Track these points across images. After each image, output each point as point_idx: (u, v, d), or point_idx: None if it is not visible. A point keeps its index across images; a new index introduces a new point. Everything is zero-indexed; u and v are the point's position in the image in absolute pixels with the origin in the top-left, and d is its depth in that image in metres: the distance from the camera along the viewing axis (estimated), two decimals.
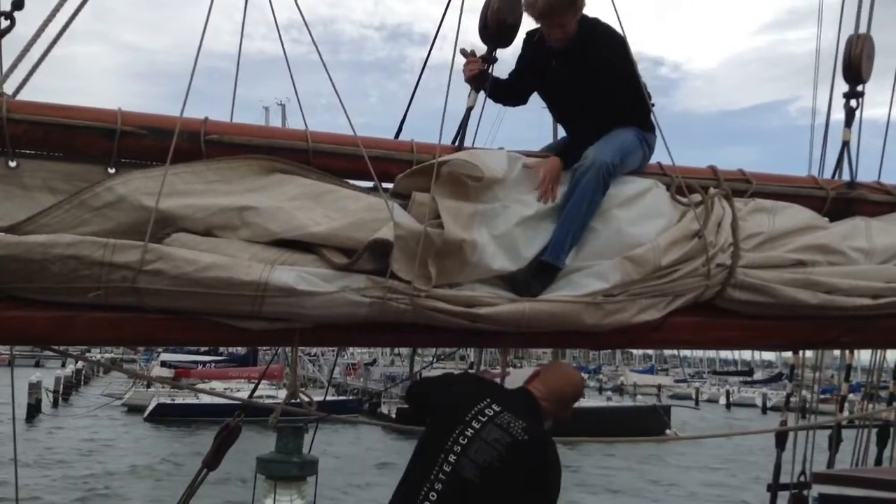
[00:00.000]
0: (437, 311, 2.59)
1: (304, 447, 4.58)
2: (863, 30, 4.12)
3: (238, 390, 26.22)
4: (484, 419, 2.48)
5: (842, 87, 3.96)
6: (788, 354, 7.21)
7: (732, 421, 36.47)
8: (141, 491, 16.03)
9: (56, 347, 2.88)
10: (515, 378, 2.97)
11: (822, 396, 7.62)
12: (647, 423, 26.43)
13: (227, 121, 2.79)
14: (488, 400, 2.55)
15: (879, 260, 3.28)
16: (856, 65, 3.79)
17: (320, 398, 3.57)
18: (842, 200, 3.46)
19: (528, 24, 3.07)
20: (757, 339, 3.37)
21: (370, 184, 2.75)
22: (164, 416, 27.79)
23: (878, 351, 6.63)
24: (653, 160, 3.19)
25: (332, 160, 2.76)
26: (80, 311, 2.41)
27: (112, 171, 2.54)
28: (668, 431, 26.49)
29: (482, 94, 3.12)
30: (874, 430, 6.67)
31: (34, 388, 28.87)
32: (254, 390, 4.12)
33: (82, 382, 43.03)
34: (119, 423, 27.92)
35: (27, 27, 2.44)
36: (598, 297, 2.76)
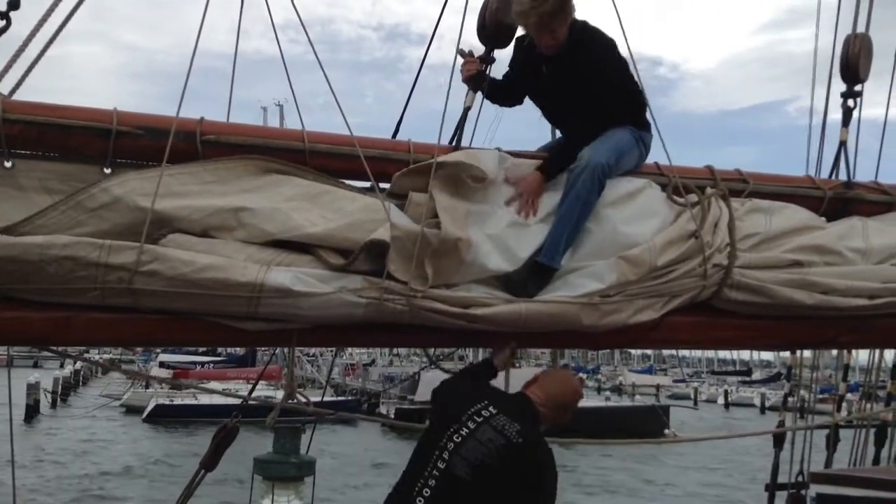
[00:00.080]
0: (433, 311, 2.59)
1: (301, 448, 4.58)
2: (861, 29, 4.12)
3: (237, 391, 26.21)
4: (480, 420, 2.49)
5: (840, 86, 3.97)
6: (786, 354, 7.22)
7: (731, 421, 36.48)
8: (138, 491, 16.02)
9: (54, 348, 2.88)
10: (518, 377, 2.97)
11: (820, 396, 7.63)
12: (646, 423, 26.44)
13: (223, 121, 2.79)
14: (486, 402, 2.55)
15: (876, 260, 3.28)
16: (853, 64, 3.80)
17: (318, 398, 3.56)
18: (839, 200, 3.46)
19: None
20: (755, 339, 3.37)
21: (367, 184, 2.75)
22: (163, 416, 27.77)
23: (876, 350, 6.64)
24: (650, 160, 3.20)
25: (329, 160, 2.76)
26: (77, 311, 2.41)
27: (108, 171, 2.54)
28: (666, 431, 26.49)
29: (479, 94, 3.12)
30: (872, 430, 6.68)
31: (32, 388, 28.83)
32: (252, 390, 4.12)
33: (81, 383, 43.00)
34: (117, 424, 27.90)
35: (24, 27, 2.44)
36: (595, 297, 2.76)
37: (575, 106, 3.03)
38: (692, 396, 47.70)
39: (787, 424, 6.29)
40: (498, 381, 3.05)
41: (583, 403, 2.95)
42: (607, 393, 41.68)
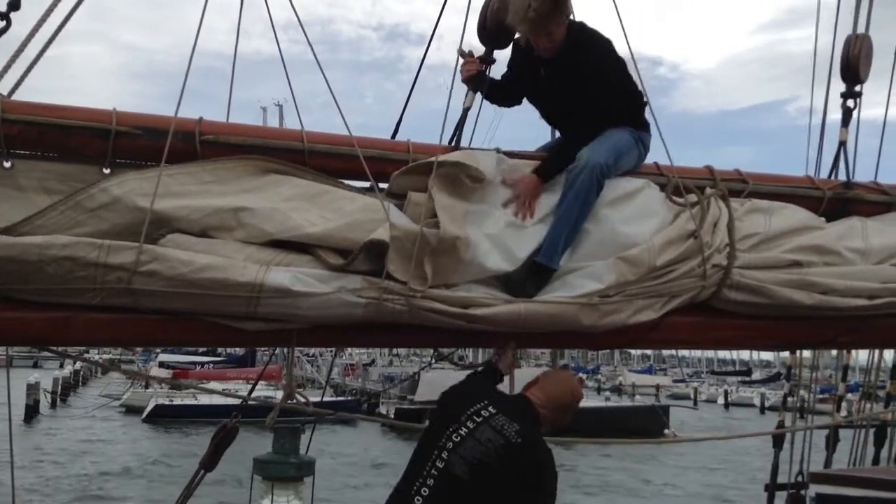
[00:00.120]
0: (433, 311, 2.59)
1: (300, 448, 4.58)
2: (861, 30, 4.12)
3: (236, 391, 26.21)
4: (479, 420, 2.50)
5: (839, 87, 3.97)
6: (786, 354, 7.22)
7: (731, 421, 36.48)
8: (138, 492, 16.01)
9: (53, 348, 2.88)
10: (519, 377, 2.98)
11: (820, 396, 7.64)
12: (646, 423, 26.43)
13: (223, 121, 2.79)
14: (485, 402, 2.56)
15: (875, 260, 3.28)
16: (853, 65, 3.80)
17: (318, 398, 3.57)
18: (838, 200, 3.46)
19: None
20: (754, 340, 3.37)
21: (366, 184, 2.75)
22: (163, 416, 27.77)
23: (875, 350, 6.64)
24: (650, 159, 3.20)
25: (328, 160, 2.76)
26: (76, 311, 2.41)
27: (107, 171, 2.54)
28: (666, 431, 26.48)
29: (479, 94, 3.12)
30: (871, 431, 6.68)
31: (32, 389, 28.80)
32: (251, 391, 4.12)
33: (80, 383, 42.98)
34: (117, 424, 27.90)
35: (23, 27, 2.44)
36: (594, 297, 2.76)
37: (573, 107, 3.03)
38: (692, 396, 47.69)
39: (786, 424, 6.29)
40: (506, 382, 3.06)
41: (583, 403, 2.95)
42: (607, 393, 41.67)
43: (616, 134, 3.02)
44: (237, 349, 34.57)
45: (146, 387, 31.62)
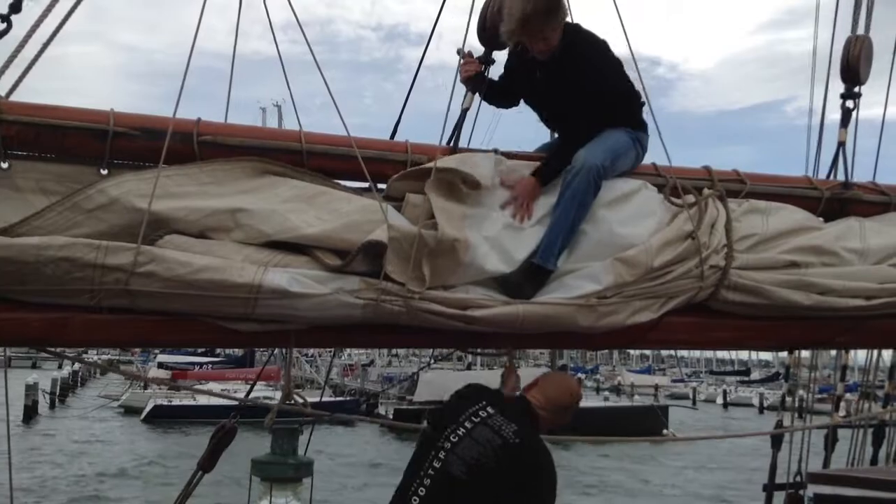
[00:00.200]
0: (431, 313, 2.59)
1: (299, 449, 4.59)
2: (861, 31, 4.13)
3: (235, 391, 26.20)
4: (477, 420, 2.50)
5: (839, 87, 3.98)
6: (785, 354, 7.22)
7: (729, 421, 36.51)
8: (136, 492, 16.00)
9: (51, 349, 2.87)
10: (523, 377, 2.98)
11: (818, 396, 7.64)
12: (645, 423, 26.43)
13: (222, 121, 2.79)
14: (483, 403, 2.56)
15: (873, 261, 3.29)
16: (853, 66, 3.80)
17: (317, 399, 3.57)
18: (836, 201, 3.46)
19: None
20: (752, 340, 3.38)
21: (364, 185, 2.75)
22: (161, 417, 27.74)
23: (874, 350, 6.64)
24: (648, 159, 3.20)
25: (327, 161, 2.76)
26: (74, 312, 2.40)
27: (105, 172, 2.54)
28: (665, 432, 26.48)
29: (478, 95, 3.12)
30: (870, 431, 6.69)
31: (31, 389, 28.78)
32: (249, 391, 4.12)
33: (79, 384, 42.93)
34: (116, 425, 27.88)
35: (22, 28, 2.43)
36: (592, 299, 2.76)
37: (569, 109, 3.03)
38: (691, 396, 47.71)
39: (785, 424, 6.30)
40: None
41: (581, 403, 2.96)
42: (606, 393, 41.67)
43: (613, 135, 3.02)
44: (236, 350, 34.53)
45: (145, 387, 31.59)
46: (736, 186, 3.27)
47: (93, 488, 16.26)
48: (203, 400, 25.71)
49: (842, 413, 7.38)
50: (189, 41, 2.52)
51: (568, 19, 2.99)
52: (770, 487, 5.82)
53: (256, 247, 2.53)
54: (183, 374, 33.77)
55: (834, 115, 4.16)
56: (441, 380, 29.32)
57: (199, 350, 35.64)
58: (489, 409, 2.53)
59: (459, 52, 3.10)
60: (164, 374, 33.34)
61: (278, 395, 2.87)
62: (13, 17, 2.42)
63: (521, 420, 2.55)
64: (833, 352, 7.49)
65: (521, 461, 2.45)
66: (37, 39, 2.43)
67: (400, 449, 20.88)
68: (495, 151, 2.97)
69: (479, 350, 3.13)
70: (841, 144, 3.86)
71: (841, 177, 3.75)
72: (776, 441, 5.85)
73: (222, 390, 27.23)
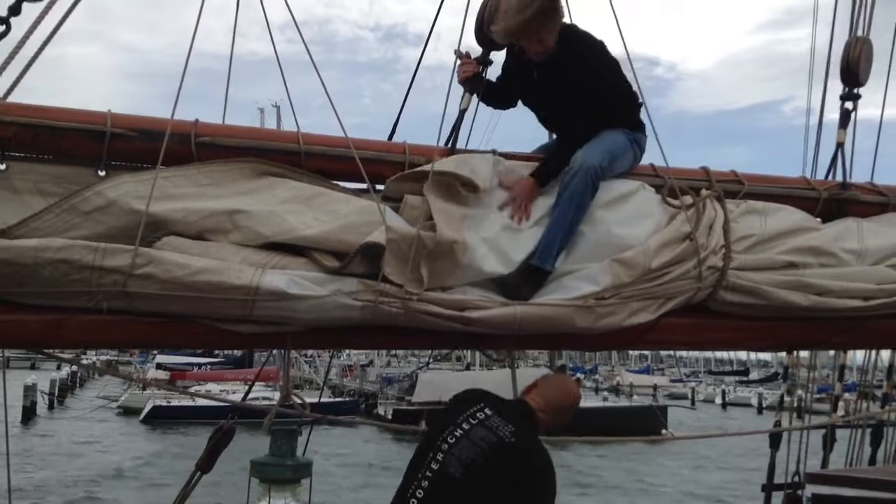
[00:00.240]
0: (429, 314, 2.59)
1: (297, 450, 4.58)
2: (861, 32, 4.13)
3: (234, 392, 26.21)
4: (474, 421, 2.50)
5: (837, 87, 3.98)
6: (784, 354, 7.23)
7: (728, 421, 36.53)
8: (135, 493, 15.99)
9: (49, 351, 2.87)
10: (519, 377, 2.99)
11: (817, 396, 7.64)
12: (644, 424, 26.45)
13: (220, 122, 2.78)
14: (482, 405, 2.56)
15: (871, 261, 3.29)
16: (853, 67, 3.80)
17: (316, 399, 3.57)
18: (834, 201, 3.46)
19: None
20: (750, 340, 3.38)
21: (362, 186, 2.75)
22: (160, 418, 27.73)
23: (872, 350, 6.65)
24: (646, 160, 3.20)
25: (325, 162, 2.75)
26: (72, 314, 2.40)
27: (102, 173, 2.53)
28: (664, 432, 26.49)
29: (476, 96, 3.12)
30: (868, 431, 6.69)
31: (29, 390, 28.76)
32: (247, 392, 4.12)
33: (78, 385, 42.89)
34: (115, 426, 27.86)
35: (20, 28, 2.43)
36: (590, 300, 2.76)
37: (566, 109, 3.03)
38: (689, 396, 47.72)
39: (783, 424, 6.30)
40: (504, 383, 3.06)
41: (581, 404, 2.96)
42: (605, 393, 41.71)
43: (611, 136, 3.02)
44: (234, 350, 34.50)
45: (143, 388, 31.58)
46: (734, 187, 3.27)
47: (91, 489, 16.26)
48: (202, 400, 25.70)
49: (840, 413, 7.38)
50: (187, 42, 2.51)
51: (566, 20, 2.99)
52: (768, 487, 5.82)
53: (254, 248, 2.52)
54: (182, 375, 33.78)
55: (832, 115, 4.17)
56: (440, 380, 29.36)
57: (198, 350, 35.59)
58: (487, 411, 2.53)
59: (457, 52, 3.10)
60: (162, 374, 33.33)
61: (277, 395, 2.87)
62: (12, 19, 2.42)
63: (519, 421, 2.55)
64: (831, 352, 7.49)
65: (515, 461, 2.45)
66: (35, 40, 2.43)
67: (399, 449, 20.88)
68: (493, 152, 2.98)
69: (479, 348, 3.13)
70: (839, 146, 3.86)
71: (839, 178, 3.75)
72: (775, 441, 5.85)
73: (221, 391, 27.36)
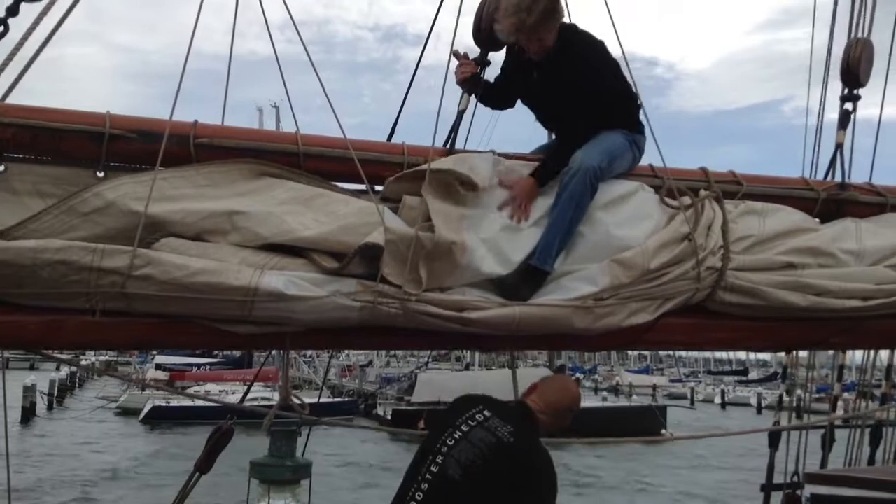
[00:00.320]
0: (427, 315, 2.59)
1: (297, 450, 4.58)
2: (860, 32, 4.13)
3: (233, 392, 26.21)
4: (473, 423, 2.50)
5: (837, 87, 3.99)
6: (783, 354, 7.23)
7: (727, 421, 36.53)
8: (134, 493, 15.98)
9: (48, 352, 2.87)
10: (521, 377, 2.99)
11: (816, 395, 7.64)
12: (643, 424, 26.44)
13: (219, 122, 2.78)
14: (480, 407, 2.56)
15: (870, 262, 3.29)
16: (854, 68, 3.80)
17: (315, 400, 3.57)
18: (833, 202, 3.47)
19: None
20: (749, 341, 3.38)
21: (361, 187, 2.75)
22: (159, 418, 27.71)
23: (871, 350, 6.65)
24: (644, 161, 3.20)
25: (324, 163, 2.75)
26: (70, 314, 2.40)
27: (101, 174, 2.53)
28: (663, 432, 26.49)
29: (474, 97, 3.12)
30: (867, 430, 6.69)
31: (29, 391, 28.74)
32: (246, 393, 4.11)
33: (77, 385, 42.86)
34: (114, 426, 27.85)
35: (18, 29, 2.43)
36: (588, 301, 2.76)
37: (566, 109, 3.03)
38: (689, 396, 47.73)
39: (782, 424, 6.30)
40: (504, 383, 3.06)
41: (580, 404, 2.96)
42: (604, 393, 41.71)
43: (610, 136, 3.02)
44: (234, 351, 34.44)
45: (142, 389, 31.55)
46: (732, 188, 3.28)
47: (90, 490, 16.25)
48: (201, 401, 25.68)
49: (839, 412, 7.39)
50: (186, 42, 2.51)
51: (565, 19, 2.99)
52: (768, 487, 5.83)
53: (253, 249, 2.52)
54: (181, 376, 33.75)
55: (832, 115, 4.17)
56: (439, 380, 29.38)
57: (197, 351, 35.57)
58: (486, 413, 2.54)
59: (455, 53, 3.10)
60: (161, 375, 33.32)
61: (276, 395, 2.87)
62: (10, 20, 2.42)
63: (518, 422, 2.55)
64: (830, 351, 7.50)
65: (514, 461, 2.45)
66: (34, 41, 2.43)
67: (398, 450, 20.88)
68: (492, 153, 2.97)
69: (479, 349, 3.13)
70: (839, 146, 3.86)
71: (839, 178, 3.75)
72: (774, 441, 5.85)
73: (220, 391, 27.34)
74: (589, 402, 30.23)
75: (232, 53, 2.93)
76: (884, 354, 7.02)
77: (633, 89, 3.09)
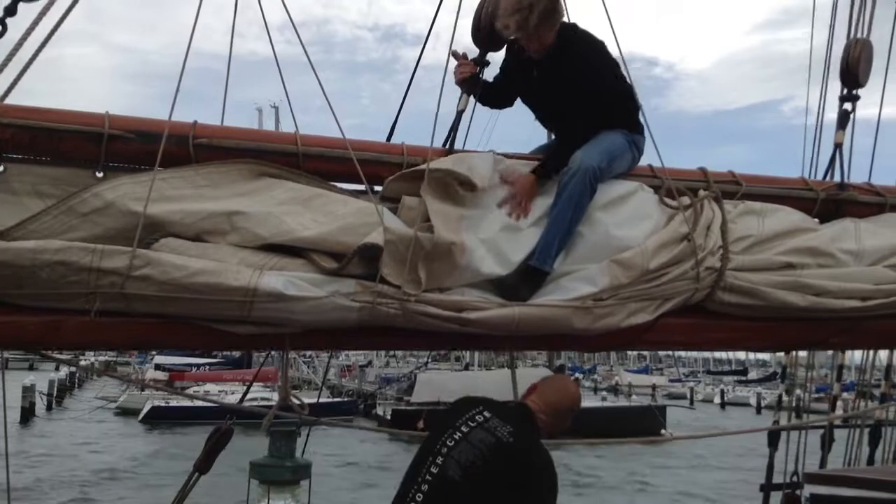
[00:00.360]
0: (427, 315, 2.59)
1: (297, 451, 4.58)
2: (860, 32, 4.13)
3: (232, 392, 26.21)
4: (473, 424, 2.50)
5: (837, 87, 3.99)
6: (782, 354, 7.23)
7: (727, 420, 36.54)
8: (133, 494, 15.97)
9: (47, 352, 2.87)
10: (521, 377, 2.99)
11: (815, 395, 7.66)
12: (643, 423, 26.44)
13: (219, 122, 2.78)
14: (480, 408, 2.56)
15: (869, 262, 3.29)
16: (853, 69, 3.80)
17: (314, 400, 3.57)
18: (832, 202, 3.47)
19: None
20: (748, 341, 3.38)
21: (360, 187, 2.75)
22: (159, 418, 27.70)
23: (870, 350, 6.66)
24: (643, 161, 3.20)
25: (323, 163, 2.76)
26: (70, 315, 2.39)
27: (100, 175, 2.53)
28: (663, 432, 26.48)
29: (473, 97, 3.12)
30: (866, 430, 6.70)
31: (28, 391, 28.72)
32: (245, 394, 4.11)
33: (76, 385, 42.84)
34: (113, 426, 27.84)
35: (17, 30, 2.43)
36: (588, 301, 2.76)
37: (565, 108, 3.03)
38: (688, 396, 47.73)
39: (782, 424, 6.31)
40: (503, 383, 3.06)
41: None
42: (604, 393, 41.71)
43: (609, 137, 3.02)
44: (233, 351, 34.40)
45: (142, 389, 31.53)
46: (732, 188, 3.28)
47: (89, 490, 16.24)
48: (200, 401, 25.67)
49: (839, 412, 7.40)
50: (185, 42, 2.51)
51: (564, 19, 3.00)
52: (767, 487, 5.84)
53: (252, 250, 2.52)
54: (180, 376, 33.73)
55: (831, 115, 4.17)
56: (439, 380, 29.37)
57: (196, 351, 35.53)
58: (486, 413, 2.53)
59: (454, 53, 3.10)
60: (161, 375, 33.30)
61: (276, 395, 2.87)
62: (8, 20, 2.42)
63: (518, 423, 2.55)
64: (830, 351, 7.50)
65: (513, 461, 2.45)
66: (32, 41, 2.43)
67: (397, 450, 20.88)
68: (492, 153, 2.97)
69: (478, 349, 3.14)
70: (838, 146, 3.87)
71: (838, 179, 3.76)
72: (773, 441, 5.86)
73: (220, 392, 27.33)
74: (588, 402, 30.21)
75: (231, 53, 2.94)
76: (883, 354, 7.04)
77: (633, 90, 3.09)
